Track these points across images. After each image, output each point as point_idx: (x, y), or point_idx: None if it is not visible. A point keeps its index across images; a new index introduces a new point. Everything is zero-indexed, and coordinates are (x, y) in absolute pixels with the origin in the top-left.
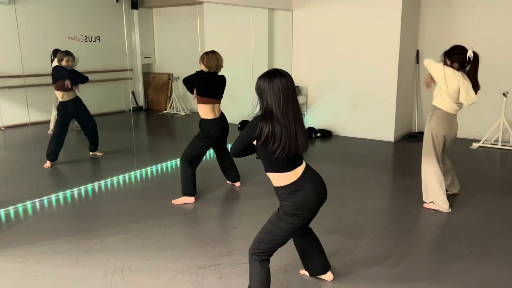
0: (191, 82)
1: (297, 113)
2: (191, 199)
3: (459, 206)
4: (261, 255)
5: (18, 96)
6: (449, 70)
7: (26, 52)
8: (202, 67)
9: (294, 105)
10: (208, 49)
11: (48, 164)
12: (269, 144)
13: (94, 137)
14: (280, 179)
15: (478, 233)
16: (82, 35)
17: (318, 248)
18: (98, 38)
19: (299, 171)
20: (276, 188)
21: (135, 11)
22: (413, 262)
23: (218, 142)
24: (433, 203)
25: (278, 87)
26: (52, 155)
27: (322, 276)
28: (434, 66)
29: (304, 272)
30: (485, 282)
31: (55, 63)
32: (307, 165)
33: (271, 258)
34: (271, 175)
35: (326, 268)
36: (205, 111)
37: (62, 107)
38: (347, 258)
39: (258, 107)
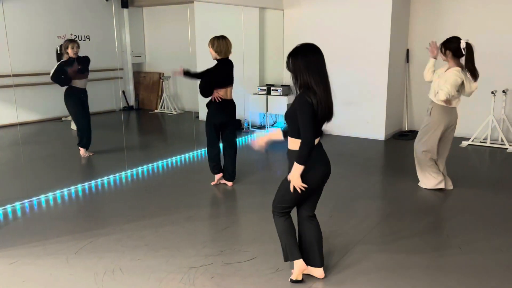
0: (211, 82)
1: (328, 84)
2: (217, 176)
3: (449, 204)
4: (280, 212)
5: (7, 96)
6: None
7: (15, 52)
8: (211, 52)
9: (325, 77)
10: (199, 48)
11: (82, 151)
12: (316, 113)
13: (86, 131)
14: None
15: (468, 231)
16: (71, 34)
17: (318, 240)
18: (87, 37)
19: (315, 141)
20: (291, 150)
21: (125, 10)
22: (403, 260)
23: (223, 128)
24: (430, 175)
25: (312, 62)
26: (84, 141)
27: (314, 273)
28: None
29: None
30: (475, 280)
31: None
32: (320, 141)
33: (265, 258)
34: (294, 140)
35: (321, 262)
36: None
37: (70, 92)
38: (337, 257)
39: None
